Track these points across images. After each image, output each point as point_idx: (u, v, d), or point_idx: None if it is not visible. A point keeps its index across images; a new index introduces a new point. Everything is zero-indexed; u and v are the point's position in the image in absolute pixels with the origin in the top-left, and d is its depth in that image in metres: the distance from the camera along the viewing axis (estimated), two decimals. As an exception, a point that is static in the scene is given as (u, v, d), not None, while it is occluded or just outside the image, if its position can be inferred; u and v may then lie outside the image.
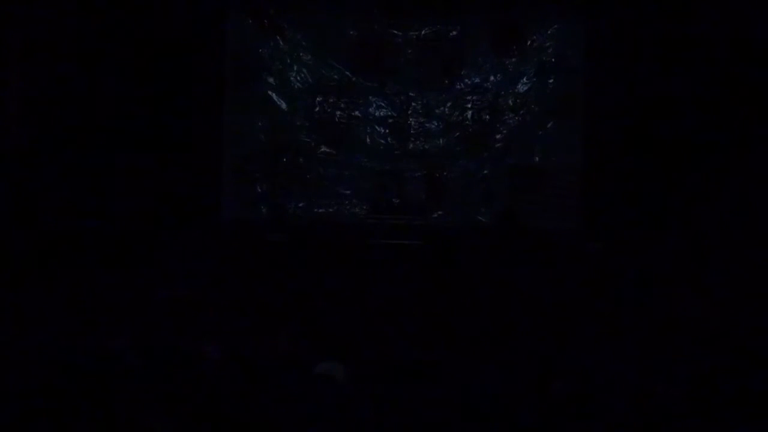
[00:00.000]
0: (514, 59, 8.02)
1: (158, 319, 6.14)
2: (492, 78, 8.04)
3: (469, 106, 8.06)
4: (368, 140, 8.09)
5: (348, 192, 8.07)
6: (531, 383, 4.28)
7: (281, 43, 8.07)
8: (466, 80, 8.04)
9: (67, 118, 7.47)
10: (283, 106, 8.08)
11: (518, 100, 8.02)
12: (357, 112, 8.11)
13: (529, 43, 8.01)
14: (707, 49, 7.34)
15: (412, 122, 8.09)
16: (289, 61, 8.08)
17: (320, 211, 8.05)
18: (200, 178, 7.80)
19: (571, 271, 7.29)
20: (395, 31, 8.05)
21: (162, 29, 7.65)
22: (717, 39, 7.29)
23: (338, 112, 8.10)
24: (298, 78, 8.09)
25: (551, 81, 7.99)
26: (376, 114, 8.10)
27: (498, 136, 8.04)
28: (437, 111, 8.07)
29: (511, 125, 8.02)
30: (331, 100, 8.10)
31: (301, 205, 8.06)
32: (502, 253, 7.47)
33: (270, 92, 8.07)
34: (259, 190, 8.07)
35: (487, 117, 8.05)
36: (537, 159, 7.99)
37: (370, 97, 8.10)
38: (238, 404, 3.80)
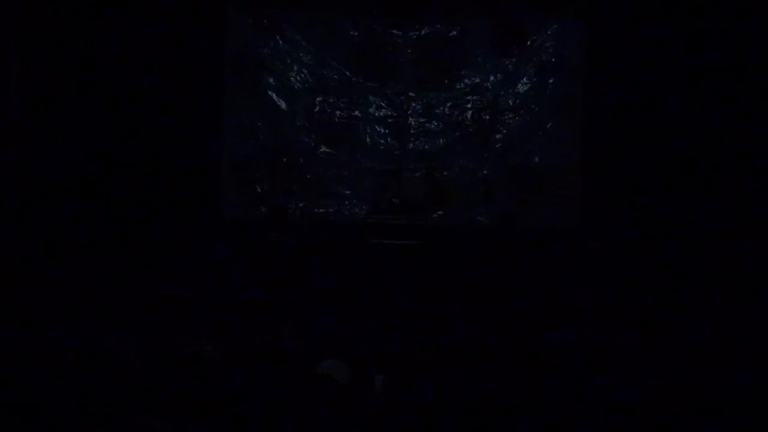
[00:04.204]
0: (514, 59, 8.02)
1: (158, 319, 6.13)
2: (492, 78, 8.04)
3: (469, 106, 8.06)
4: (368, 140, 8.09)
5: (348, 192, 8.07)
6: (530, 383, 4.28)
7: (281, 43, 8.07)
8: (466, 80, 8.04)
9: (66, 118, 7.47)
10: (283, 106, 8.08)
11: (518, 100, 8.02)
12: (357, 112, 8.11)
13: (529, 43, 8.01)
14: (708, 48, 7.34)
15: (412, 122, 8.09)
16: (289, 61, 8.08)
17: (320, 211, 8.05)
18: (200, 178, 7.80)
19: (571, 271, 7.29)
20: (395, 31, 8.05)
21: (162, 29, 7.65)
22: (718, 38, 7.30)
23: (338, 112, 8.10)
24: (298, 78, 8.09)
25: (551, 81, 7.99)
26: (376, 114, 8.11)
27: (498, 136, 8.04)
28: (437, 111, 8.07)
29: (511, 125, 8.03)
30: (331, 100, 8.10)
31: (301, 205, 8.06)
32: (502, 253, 7.46)
33: (270, 92, 8.07)
34: (259, 190, 8.06)
35: (487, 117, 8.06)
36: (537, 159, 7.99)
37: (370, 97, 8.10)
38: (238, 404, 3.80)
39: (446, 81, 8.06)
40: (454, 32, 8.04)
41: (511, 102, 8.03)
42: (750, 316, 6.38)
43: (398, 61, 8.07)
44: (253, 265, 7.41)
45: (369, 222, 7.82)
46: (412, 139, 8.09)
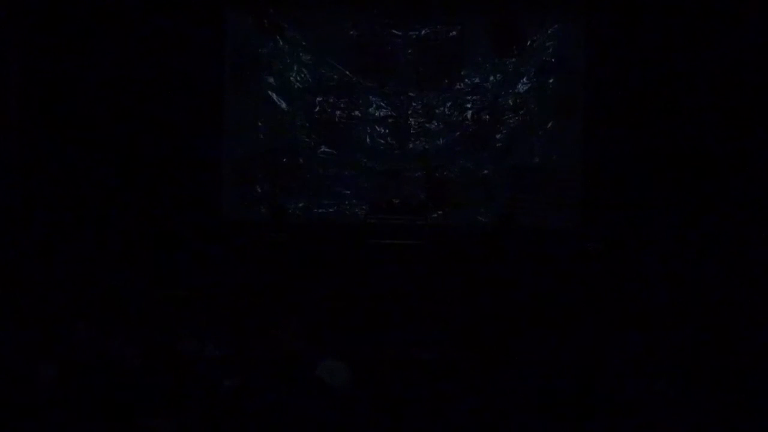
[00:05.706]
0: (514, 59, 8.02)
1: (158, 319, 6.14)
2: (492, 78, 8.04)
3: (469, 106, 8.07)
4: (368, 140, 8.09)
5: (348, 192, 8.07)
6: (531, 382, 4.28)
7: (281, 43, 8.07)
8: (466, 80, 8.05)
9: (66, 119, 7.47)
10: (283, 106, 8.08)
11: (518, 100, 8.02)
12: (357, 112, 8.11)
13: (529, 43, 8.01)
14: (708, 49, 7.34)
15: (412, 122, 8.09)
16: (289, 61, 8.08)
17: (320, 211, 8.05)
18: (200, 178, 7.80)
19: (571, 271, 7.29)
20: (395, 31, 8.05)
21: (162, 29, 7.65)
22: (717, 38, 7.29)
23: (338, 112, 8.10)
24: (298, 78, 8.09)
25: (551, 81, 8.00)
26: (376, 114, 8.11)
27: (498, 136, 8.04)
28: (437, 111, 8.07)
29: (511, 125, 8.03)
30: (331, 100, 8.10)
31: (301, 205, 8.06)
32: (502, 253, 7.46)
33: (270, 92, 8.07)
34: (259, 190, 8.07)
35: (487, 117, 8.06)
36: (537, 159, 7.99)
37: (370, 97, 8.10)
38: (239, 405, 3.80)
39: (446, 81, 8.06)
40: (454, 32, 8.03)
41: (511, 102, 8.03)
42: (750, 316, 6.39)
43: (398, 61, 8.07)
44: (253, 265, 7.41)
45: (369, 222, 7.82)
46: (412, 139, 8.09)
